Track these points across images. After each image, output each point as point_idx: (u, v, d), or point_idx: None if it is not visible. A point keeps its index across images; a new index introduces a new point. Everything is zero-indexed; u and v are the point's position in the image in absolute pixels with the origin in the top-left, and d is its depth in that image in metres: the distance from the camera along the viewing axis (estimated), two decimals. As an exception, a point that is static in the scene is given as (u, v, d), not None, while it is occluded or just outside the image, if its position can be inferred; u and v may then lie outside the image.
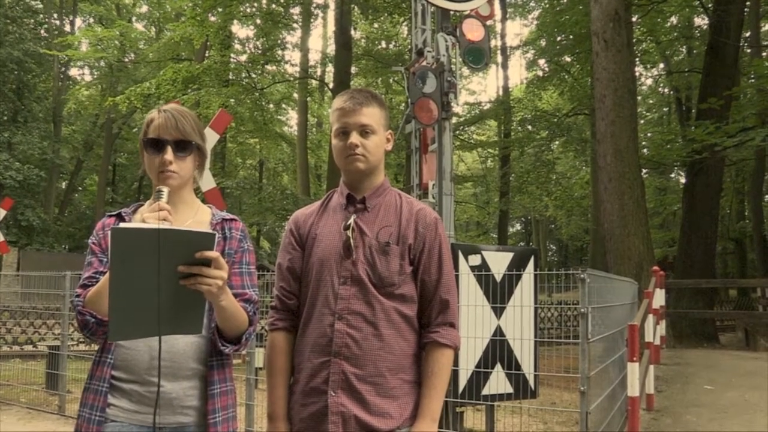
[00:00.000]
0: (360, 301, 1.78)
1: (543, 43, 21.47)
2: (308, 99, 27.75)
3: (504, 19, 25.41)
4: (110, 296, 1.44)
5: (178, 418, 1.74)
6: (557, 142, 24.79)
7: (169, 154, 1.78)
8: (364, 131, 1.84)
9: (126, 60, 29.52)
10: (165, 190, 1.72)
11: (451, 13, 5.50)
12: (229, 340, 1.78)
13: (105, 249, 1.80)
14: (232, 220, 1.94)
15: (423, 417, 1.76)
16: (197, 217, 1.91)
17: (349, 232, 1.82)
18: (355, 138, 1.83)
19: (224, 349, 1.77)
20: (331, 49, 25.93)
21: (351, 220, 1.84)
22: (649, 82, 28.69)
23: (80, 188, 36.68)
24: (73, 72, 33.43)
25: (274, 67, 25.48)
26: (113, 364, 1.75)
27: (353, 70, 22.12)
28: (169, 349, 1.73)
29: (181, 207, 1.88)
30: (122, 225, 1.47)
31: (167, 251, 1.44)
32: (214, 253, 1.50)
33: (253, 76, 23.49)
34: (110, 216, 1.88)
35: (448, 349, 1.82)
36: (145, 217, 1.61)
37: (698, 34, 21.26)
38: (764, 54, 18.20)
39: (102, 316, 1.70)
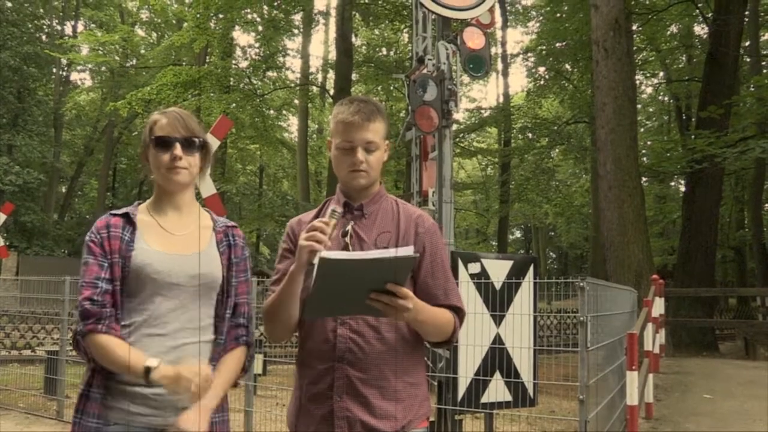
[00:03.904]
0: None
1: (543, 47, 21.51)
2: (309, 105, 27.79)
3: (504, 27, 25.45)
4: (311, 299, 1.63)
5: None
6: (557, 150, 24.84)
7: (178, 150, 1.82)
8: (369, 148, 1.84)
9: (128, 65, 29.58)
10: (339, 210, 1.74)
11: (452, 21, 5.53)
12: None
13: (107, 251, 1.76)
14: (233, 227, 1.97)
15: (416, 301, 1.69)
16: (200, 222, 1.92)
17: (347, 239, 1.83)
18: (361, 155, 1.84)
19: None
20: (332, 55, 26.01)
21: (349, 227, 1.85)
22: (649, 90, 28.75)
23: (80, 193, 36.66)
24: (74, 77, 33.51)
25: (275, 74, 25.55)
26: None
27: (354, 76, 22.18)
28: (181, 354, 1.75)
29: (185, 210, 1.90)
30: (326, 255, 1.55)
31: (363, 276, 1.57)
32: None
33: (254, 82, 23.55)
34: (115, 215, 1.83)
35: (455, 328, 1.85)
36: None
37: (698, 43, 21.31)
38: (764, 63, 18.26)
39: (104, 364, 1.73)
